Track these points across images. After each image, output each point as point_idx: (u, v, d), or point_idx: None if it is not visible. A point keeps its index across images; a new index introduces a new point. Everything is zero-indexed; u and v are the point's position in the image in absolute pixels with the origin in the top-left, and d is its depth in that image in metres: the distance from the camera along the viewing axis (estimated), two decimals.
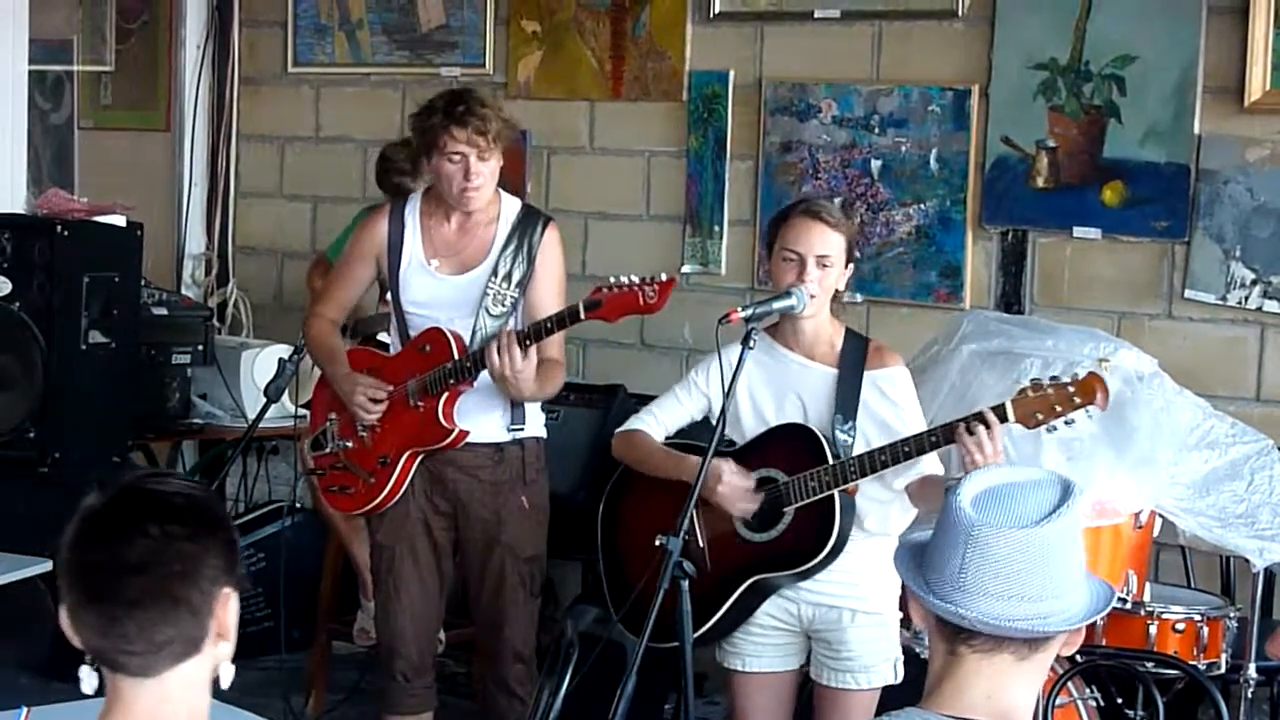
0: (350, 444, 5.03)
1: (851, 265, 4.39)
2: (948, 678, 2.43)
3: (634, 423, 4.57)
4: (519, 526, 4.94)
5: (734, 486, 4.29)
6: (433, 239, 4.95)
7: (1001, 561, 2.37)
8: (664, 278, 4.55)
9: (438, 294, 4.91)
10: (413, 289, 4.94)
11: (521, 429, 4.93)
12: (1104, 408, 4.06)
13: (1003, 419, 4.09)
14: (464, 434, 4.87)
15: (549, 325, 4.68)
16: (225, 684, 2.36)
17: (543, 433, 5.03)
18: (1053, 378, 4.12)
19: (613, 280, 4.59)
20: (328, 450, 5.11)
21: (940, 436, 4.14)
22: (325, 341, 5.10)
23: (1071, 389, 4.05)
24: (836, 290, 4.38)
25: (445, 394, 4.84)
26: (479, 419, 4.89)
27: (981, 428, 4.07)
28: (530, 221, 4.93)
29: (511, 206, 4.96)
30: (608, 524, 4.68)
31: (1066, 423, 4.08)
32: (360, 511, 5.12)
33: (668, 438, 4.52)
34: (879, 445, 4.22)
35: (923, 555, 2.47)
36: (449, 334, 4.85)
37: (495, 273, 4.86)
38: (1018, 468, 2.54)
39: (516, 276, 4.86)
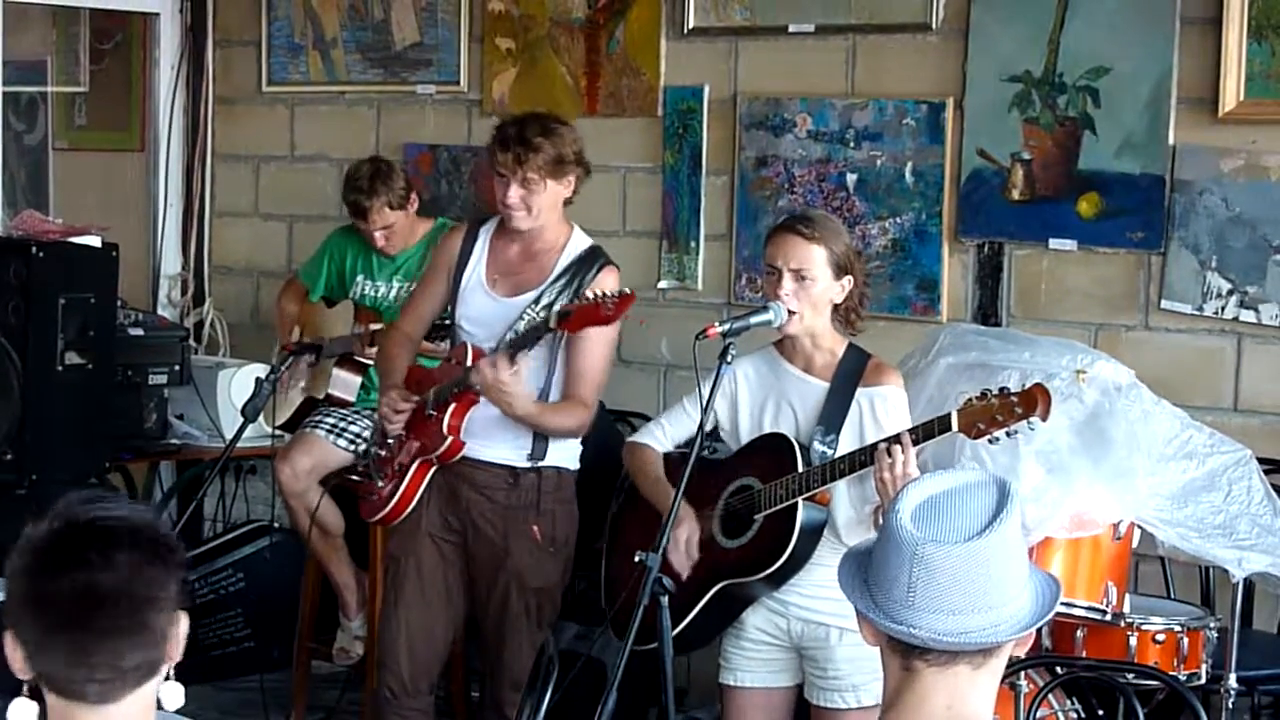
0: (383, 451, 5.04)
1: (849, 278, 4.37)
2: (907, 691, 2.42)
3: (642, 435, 4.65)
4: (528, 555, 4.88)
5: (679, 542, 4.35)
6: (497, 259, 4.95)
7: (949, 578, 2.36)
8: (625, 292, 4.60)
9: (488, 312, 4.91)
10: (468, 305, 4.95)
11: (541, 460, 4.88)
12: (1045, 419, 4.05)
13: (946, 428, 4.09)
14: (460, 444, 4.86)
15: (526, 339, 4.70)
16: (173, 705, 2.36)
17: (572, 465, 4.96)
18: (1001, 388, 4.12)
19: (583, 293, 4.70)
20: (374, 454, 5.12)
21: (868, 455, 4.16)
22: (387, 355, 5.15)
23: (1014, 399, 4.05)
24: (842, 305, 4.39)
25: (454, 404, 4.84)
26: (497, 440, 4.86)
27: (896, 448, 4.08)
28: (590, 260, 4.90)
29: (579, 243, 4.93)
30: (613, 532, 4.77)
31: (1008, 434, 4.08)
32: (375, 519, 5.11)
33: (676, 446, 4.58)
34: None
35: (867, 570, 2.46)
36: (469, 346, 4.86)
37: (539, 300, 4.84)
38: (952, 472, 2.51)
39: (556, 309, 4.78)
